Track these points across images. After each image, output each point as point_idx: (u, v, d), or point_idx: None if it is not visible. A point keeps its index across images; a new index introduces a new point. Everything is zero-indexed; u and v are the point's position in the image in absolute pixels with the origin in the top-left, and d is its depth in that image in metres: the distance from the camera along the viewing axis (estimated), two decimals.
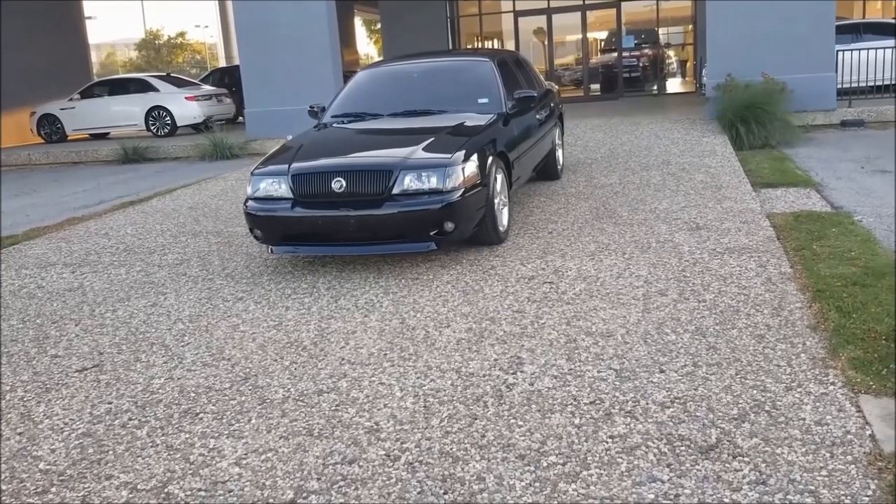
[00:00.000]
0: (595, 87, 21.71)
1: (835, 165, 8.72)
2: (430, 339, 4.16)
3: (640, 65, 22.32)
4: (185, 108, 17.76)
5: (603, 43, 22.98)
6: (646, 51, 22.61)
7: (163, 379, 3.93)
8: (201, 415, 3.50)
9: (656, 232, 5.94)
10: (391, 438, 3.14)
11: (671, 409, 3.19)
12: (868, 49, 12.77)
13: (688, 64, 27.29)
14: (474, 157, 5.45)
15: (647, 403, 3.26)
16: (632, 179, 8.07)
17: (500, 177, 5.86)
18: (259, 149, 14.24)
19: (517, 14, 21.21)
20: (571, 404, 3.31)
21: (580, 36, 21.07)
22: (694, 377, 3.47)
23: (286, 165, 5.53)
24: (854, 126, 12.08)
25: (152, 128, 17.93)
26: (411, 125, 6.30)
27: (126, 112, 18.03)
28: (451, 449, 3.03)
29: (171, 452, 3.18)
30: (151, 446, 3.25)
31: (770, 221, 6.03)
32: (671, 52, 24.86)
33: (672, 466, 2.78)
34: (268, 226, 5.50)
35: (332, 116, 6.81)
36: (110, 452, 3.22)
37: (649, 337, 3.95)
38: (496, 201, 5.75)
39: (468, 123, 6.04)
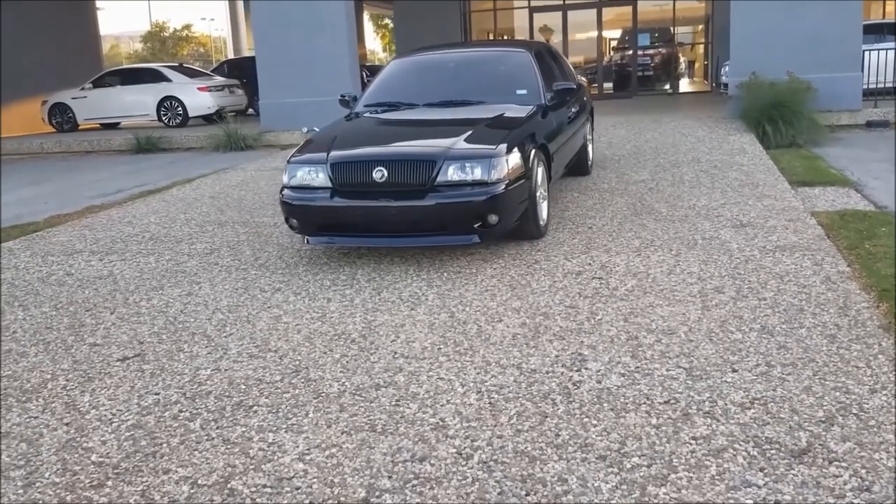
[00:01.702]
0: (608, 85, 21.58)
1: (867, 165, 8.57)
2: (483, 334, 4.02)
3: (654, 63, 22.20)
4: (198, 98, 17.63)
5: (617, 41, 22.85)
6: (660, 49, 22.50)
7: (209, 370, 3.79)
8: (255, 408, 3.36)
9: (700, 228, 5.79)
10: (460, 436, 3.00)
11: (752, 411, 3.05)
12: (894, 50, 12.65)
13: (696, 64, 27.19)
14: (518, 148, 5.30)
15: (726, 404, 3.12)
16: (664, 176, 7.92)
17: (540, 170, 5.72)
18: (274, 140, 14.12)
19: (532, 10, 21.07)
20: (645, 403, 3.16)
21: (595, 33, 20.93)
22: (770, 377, 3.32)
23: (324, 153, 5.38)
24: (879, 127, 11.93)
25: (164, 118, 17.78)
26: (450, 116, 6.15)
27: (138, 102, 17.89)
28: (525, 448, 2.88)
29: (229, 446, 3.04)
30: (207, 439, 3.11)
31: (816, 220, 5.89)
32: (685, 52, 24.70)
33: (766, 471, 2.64)
34: (305, 215, 5.36)
35: (365, 105, 6.66)
36: (164, 445, 3.08)
37: (714, 335, 3.81)
38: (537, 194, 5.60)
39: (508, 115, 5.89)
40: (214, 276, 5.41)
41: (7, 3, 18.86)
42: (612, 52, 22.54)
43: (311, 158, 5.44)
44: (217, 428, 3.20)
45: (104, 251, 6.33)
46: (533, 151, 5.52)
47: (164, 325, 4.47)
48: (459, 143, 5.24)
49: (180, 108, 17.65)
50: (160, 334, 4.33)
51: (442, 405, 3.27)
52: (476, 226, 5.07)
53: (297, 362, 3.81)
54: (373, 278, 5.09)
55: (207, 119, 17.81)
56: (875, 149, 9.93)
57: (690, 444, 2.83)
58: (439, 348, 3.87)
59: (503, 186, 5.07)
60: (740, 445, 2.81)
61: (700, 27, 25.58)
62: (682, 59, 24.27)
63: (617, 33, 22.67)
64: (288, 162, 5.53)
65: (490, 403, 3.25)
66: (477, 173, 5.06)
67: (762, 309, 4.12)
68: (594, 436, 2.94)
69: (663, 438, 2.89)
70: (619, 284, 4.66)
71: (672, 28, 22.32)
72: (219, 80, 18.92)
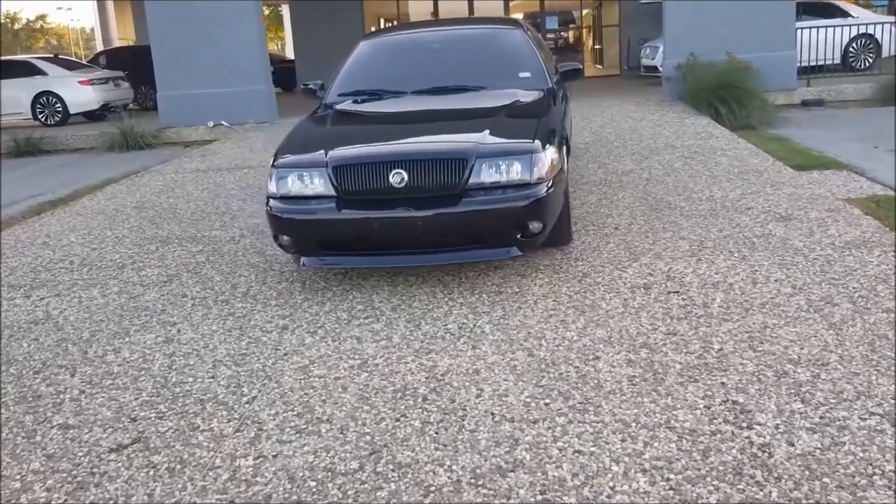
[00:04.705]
0: None
1: (840, 145, 8.21)
2: (588, 379, 3.18)
3: (559, 47, 21.87)
4: (79, 93, 15.82)
5: None
6: (562, 34, 22.19)
7: (251, 458, 2.78)
8: None
9: (741, 224, 5.15)
10: None
11: None
12: (826, 27, 12.66)
13: (586, 47, 27.01)
14: (554, 140, 4.49)
15: None
16: (651, 165, 7.28)
17: (567, 164, 4.92)
18: (175, 137, 12.82)
19: None
20: (876, 474, 2.42)
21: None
22: None
23: (321, 154, 4.37)
24: (816, 105, 11.83)
25: (41, 116, 15.88)
26: (452, 105, 5.25)
27: (9, 99, 15.80)
28: None
29: None
30: None
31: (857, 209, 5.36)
32: (592, 34, 24.48)
33: None
34: (303, 231, 4.34)
35: (339, 95, 5.63)
36: None
37: (876, 364, 3.12)
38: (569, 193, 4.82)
39: (524, 101, 5.05)
40: (190, 312, 4.32)
41: None
42: None
43: (304, 160, 4.43)
44: None
45: (27, 284, 5.08)
46: (564, 144, 4.72)
47: (154, 390, 3.39)
48: (487, 138, 4.36)
49: (59, 105, 15.80)
50: (155, 404, 3.26)
51: (608, 497, 2.42)
52: (518, 235, 4.22)
53: (370, 437, 2.86)
54: (397, 306, 4.15)
55: (89, 116, 16.06)
56: (831, 128, 9.72)
57: None
58: (546, 404, 3.01)
59: (545, 187, 4.23)
60: None
61: (586, 11, 25.26)
62: (589, 42, 24.04)
63: (521, 16, 22.15)
64: (273, 166, 4.48)
65: (672, 489, 2.43)
66: (516, 172, 4.19)
67: None
68: None
69: None
70: (707, 300, 3.92)
71: (580, 11, 21.99)
72: (102, 72, 17.08)
